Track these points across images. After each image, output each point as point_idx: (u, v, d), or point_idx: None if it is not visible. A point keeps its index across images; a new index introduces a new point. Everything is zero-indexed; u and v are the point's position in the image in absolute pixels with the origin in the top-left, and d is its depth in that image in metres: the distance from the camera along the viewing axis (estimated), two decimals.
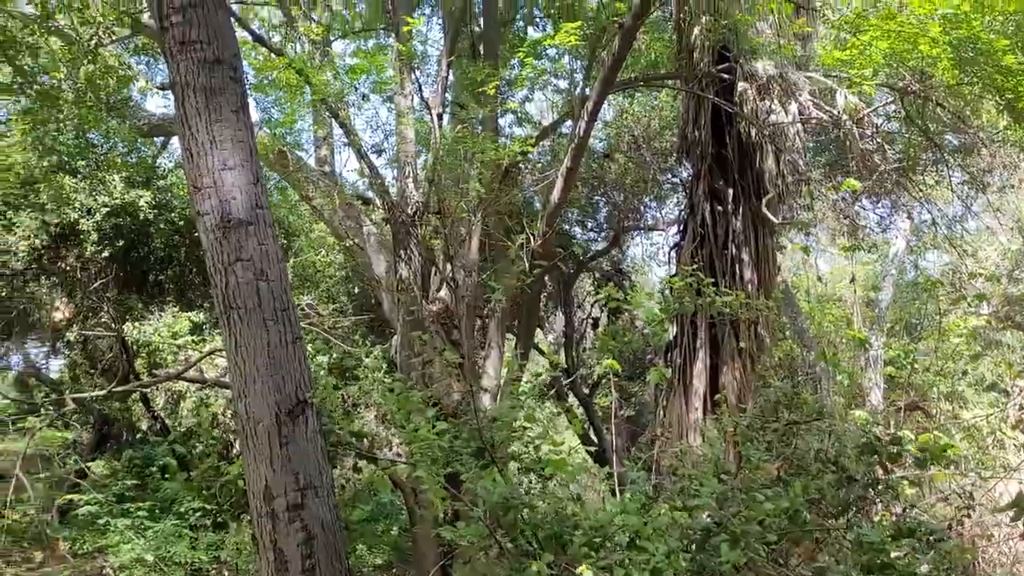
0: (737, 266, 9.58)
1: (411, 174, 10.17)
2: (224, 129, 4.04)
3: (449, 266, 9.80)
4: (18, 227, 10.87)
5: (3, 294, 11.45)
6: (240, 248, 4.03)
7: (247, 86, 10.98)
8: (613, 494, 5.16)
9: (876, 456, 3.91)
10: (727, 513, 3.79)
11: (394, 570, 12.61)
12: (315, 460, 4.14)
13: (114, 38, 11.18)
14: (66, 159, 11.34)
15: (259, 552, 4.12)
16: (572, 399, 15.09)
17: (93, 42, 9.90)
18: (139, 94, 14.25)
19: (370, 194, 11.99)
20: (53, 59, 9.94)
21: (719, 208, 9.75)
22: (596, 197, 14.26)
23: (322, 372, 10.49)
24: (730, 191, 9.69)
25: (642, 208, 14.45)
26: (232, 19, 10.58)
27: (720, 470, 4.55)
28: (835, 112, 9.02)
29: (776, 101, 9.21)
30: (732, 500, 3.97)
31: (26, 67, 9.33)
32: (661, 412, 9.68)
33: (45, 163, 11.07)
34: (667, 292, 5.00)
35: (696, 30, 9.84)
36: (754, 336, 9.10)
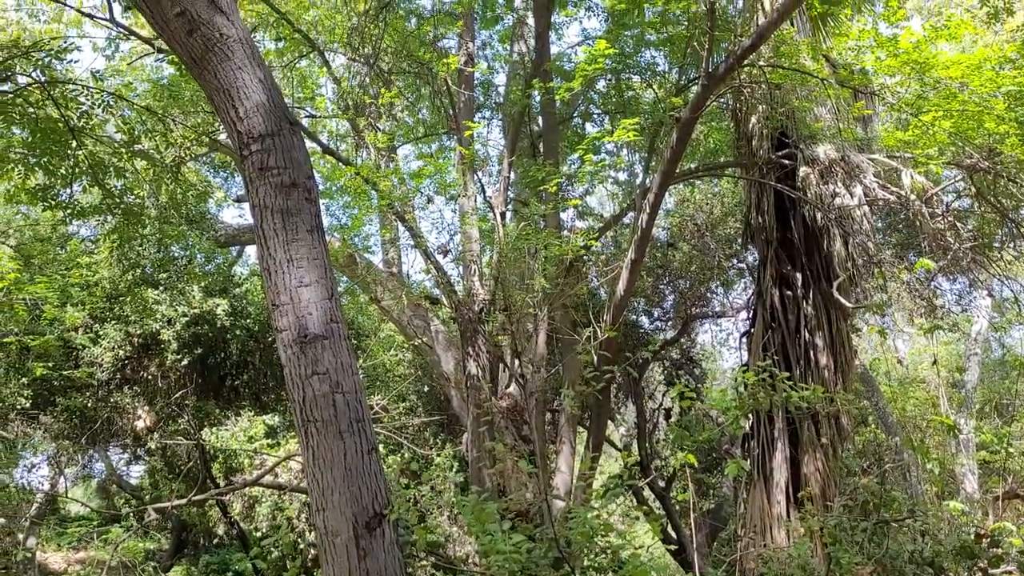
0: (811, 352, 9.36)
1: (476, 272, 10.32)
2: (300, 248, 4.20)
3: (517, 362, 9.80)
4: (104, 339, 11.35)
5: (88, 405, 11.86)
6: (316, 362, 4.13)
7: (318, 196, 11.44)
8: None
9: (976, 560, 3.69)
10: None
11: None
12: (393, 573, 4.11)
13: (193, 155, 11.84)
14: (149, 272, 11.88)
15: None
16: (648, 492, 14.72)
17: (175, 162, 10.48)
18: (216, 206, 14.95)
19: (437, 292, 12.19)
20: (137, 179, 10.54)
21: (788, 293, 9.61)
22: (662, 286, 14.23)
23: (393, 474, 10.48)
24: (799, 276, 9.55)
25: (709, 295, 14.33)
26: (302, 133, 11.13)
27: (809, 574, 4.36)
28: (902, 193, 8.90)
29: (840, 184, 9.14)
30: None
31: (113, 188, 9.91)
32: (742, 506, 9.35)
33: (129, 277, 11.61)
34: (741, 388, 4.90)
35: (754, 118, 9.93)
36: (835, 424, 8.81)
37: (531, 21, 12.52)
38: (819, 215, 9.15)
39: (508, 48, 13.94)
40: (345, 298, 13.33)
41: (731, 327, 15.89)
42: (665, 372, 15.40)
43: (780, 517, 8.47)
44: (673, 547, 13.19)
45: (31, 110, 8.95)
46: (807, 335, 9.37)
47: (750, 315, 10.61)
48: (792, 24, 9.47)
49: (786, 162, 9.56)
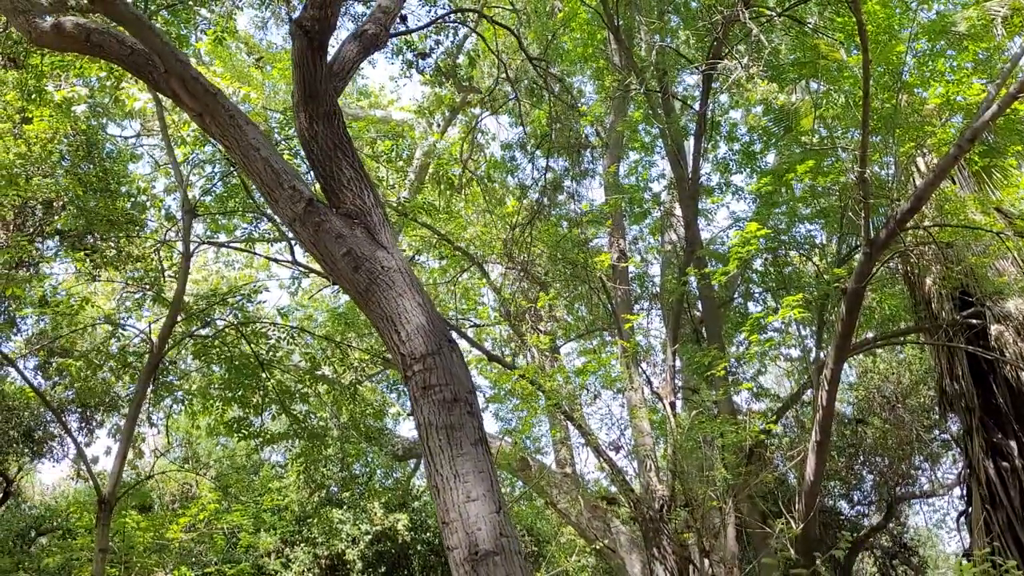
0: None
1: (652, 467, 9.96)
2: (465, 462, 4.19)
3: (707, 562, 9.16)
4: (294, 563, 11.64)
5: None
6: None
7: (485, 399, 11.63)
8: None
9: None
10: None
11: None
12: None
13: (368, 375, 12.48)
14: (334, 492, 12.28)
15: None
16: None
17: (353, 384, 11.08)
18: (392, 420, 15.50)
19: (613, 490, 11.80)
20: (320, 403, 11.18)
21: (1004, 464, 8.61)
22: (857, 466, 13.11)
23: None
24: (1013, 444, 8.59)
25: (913, 472, 13.03)
26: (465, 341, 11.52)
27: None
28: None
29: None
30: None
31: (298, 413, 10.55)
32: None
33: (316, 498, 12.04)
34: None
35: (929, 279, 9.42)
36: None
37: (678, 211, 12.75)
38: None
39: (659, 239, 14.17)
40: (523, 503, 13.15)
41: (945, 506, 14.27)
42: (877, 563, 13.85)
43: None
44: None
45: (227, 350, 9.88)
46: None
47: (964, 492, 9.54)
48: (953, 181, 9.14)
49: (974, 321, 8.90)
